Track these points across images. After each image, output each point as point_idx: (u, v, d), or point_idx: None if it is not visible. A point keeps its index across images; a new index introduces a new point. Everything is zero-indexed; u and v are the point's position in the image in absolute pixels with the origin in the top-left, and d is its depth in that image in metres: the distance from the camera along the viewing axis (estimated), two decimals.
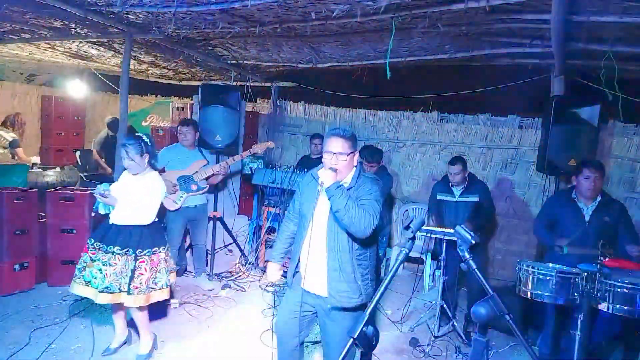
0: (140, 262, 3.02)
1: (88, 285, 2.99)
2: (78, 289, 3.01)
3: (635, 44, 3.56)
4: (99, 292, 2.95)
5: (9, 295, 4.00)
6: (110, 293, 2.95)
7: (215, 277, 4.88)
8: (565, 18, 2.92)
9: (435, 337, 3.77)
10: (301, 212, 2.50)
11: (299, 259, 2.44)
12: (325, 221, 2.37)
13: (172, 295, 3.77)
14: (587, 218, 3.29)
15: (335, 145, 2.34)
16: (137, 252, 3.01)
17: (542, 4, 2.95)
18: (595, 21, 3.08)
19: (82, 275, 3.01)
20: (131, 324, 3.31)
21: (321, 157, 2.44)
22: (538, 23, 3.38)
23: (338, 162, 2.33)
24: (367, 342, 1.72)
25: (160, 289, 3.12)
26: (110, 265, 2.98)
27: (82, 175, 6.02)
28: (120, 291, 2.97)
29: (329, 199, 2.27)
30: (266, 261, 5.28)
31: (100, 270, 2.98)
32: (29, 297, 4.05)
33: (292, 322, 2.48)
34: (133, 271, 2.99)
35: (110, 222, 3.12)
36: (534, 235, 3.88)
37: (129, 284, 2.97)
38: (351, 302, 2.36)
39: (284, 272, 2.71)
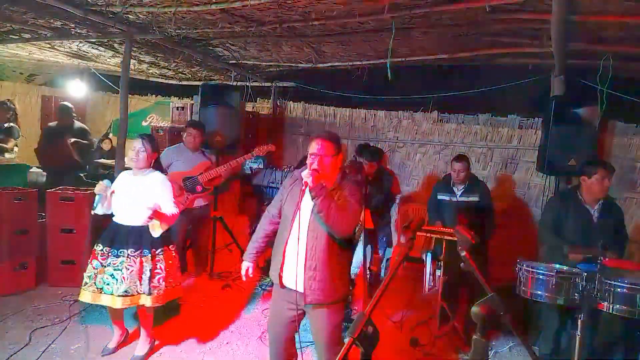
0: (157, 261, 3.02)
1: (101, 292, 2.94)
2: (90, 297, 2.96)
3: (635, 44, 3.56)
4: (117, 296, 2.91)
5: (9, 295, 3.99)
6: (129, 296, 2.92)
7: (215, 277, 4.88)
8: (565, 18, 2.92)
9: (435, 337, 3.77)
10: (284, 212, 2.53)
11: (282, 259, 2.46)
12: (306, 221, 2.39)
13: None
14: (594, 220, 3.28)
15: (319, 147, 2.37)
16: (152, 251, 3.00)
17: (542, 4, 2.95)
18: (595, 21, 3.09)
19: (94, 283, 2.96)
20: (127, 323, 3.32)
21: None
22: (538, 23, 3.38)
23: (322, 164, 2.35)
24: (367, 342, 1.72)
25: (174, 286, 3.13)
26: (125, 268, 2.94)
27: (82, 175, 6.01)
28: (139, 293, 2.96)
29: (312, 199, 2.29)
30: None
31: (112, 275, 2.94)
32: (29, 297, 4.05)
33: (282, 323, 2.52)
34: (151, 271, 2.98)
35: (119, 223, 3.05)
36: (540, 240, 3.83)
37: (149, 284, 2.96)
38: (326, 300, 2.40)
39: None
